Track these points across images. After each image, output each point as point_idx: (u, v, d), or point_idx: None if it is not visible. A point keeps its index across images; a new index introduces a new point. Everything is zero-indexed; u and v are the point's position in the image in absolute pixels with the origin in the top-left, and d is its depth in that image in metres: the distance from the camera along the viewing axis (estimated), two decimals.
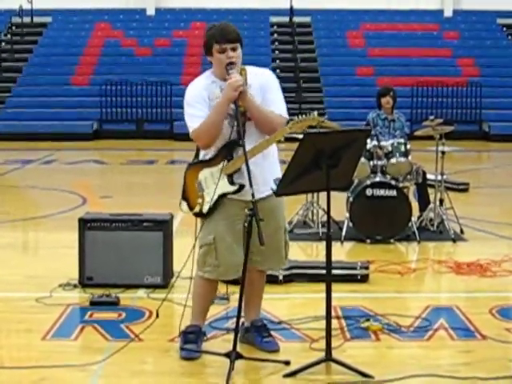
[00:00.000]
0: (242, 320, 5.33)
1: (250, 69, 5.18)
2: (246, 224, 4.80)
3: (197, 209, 5.14)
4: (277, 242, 5.23)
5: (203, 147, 5.10)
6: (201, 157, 5.22)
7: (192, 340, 5.24)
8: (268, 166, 5.13)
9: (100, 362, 5.08)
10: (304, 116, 4.97)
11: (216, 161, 5.09)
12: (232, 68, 4.97)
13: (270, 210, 5.10)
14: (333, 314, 5.29)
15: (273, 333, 5.52)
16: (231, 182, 5.07)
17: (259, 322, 5.45)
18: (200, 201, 5.13)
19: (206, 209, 5.11)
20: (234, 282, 5.92)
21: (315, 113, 5.02)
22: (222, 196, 5.07)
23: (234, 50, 5.00)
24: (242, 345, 5.30)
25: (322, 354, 5.01)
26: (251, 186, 4.76)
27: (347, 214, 8.65)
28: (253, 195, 4.73)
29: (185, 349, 5.20)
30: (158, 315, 5.49)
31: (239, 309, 4.92)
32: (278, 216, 5.24)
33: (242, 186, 5.04)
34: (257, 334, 5.39)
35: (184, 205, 5.23)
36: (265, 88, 5.12)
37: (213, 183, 5.07)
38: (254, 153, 4.96)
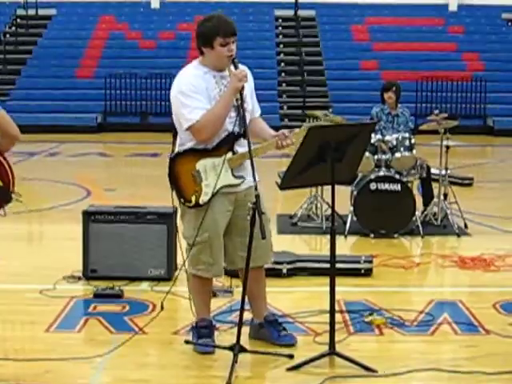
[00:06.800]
0: (251, 316, 5.34)
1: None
2: (248, 217, 4.73)
3: (193, 199, 5.02)
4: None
5: (204, 141, 4.98)
6: (190, 145, 5.07)
7: (206, 334, 5.21)
8: None
9: (104, 355, 5.08)
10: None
11: (220, 151, 4.99)
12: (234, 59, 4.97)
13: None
14: (336, 307, 5.30)
15: None
16: (233, 175, 5.03)
17: (271, 317, 5.39)
18: (197, 190, 5.00)
19: (204, 200, 4.98)
20: (237, 275, 5.91)
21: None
22: (221, 188, 4.99)
23: (233, 42, 5.00)
24: (245, 338, 5.28)
25: (326, 348, 5.02)
26: (255, 179, 4.74)
27: (351, 208, 8.64)
28: (256, 188, 4.70)
29: (200, 344, 5.16)
30: (162, 307, 5.48)
31: (242, 302, 4.90)
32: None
33: (243, 179, 5.03)
34: (273, 329, 5.32)
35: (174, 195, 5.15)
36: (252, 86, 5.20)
37: (214, 174, 4.97)
38: (258, 153, 4.98)
